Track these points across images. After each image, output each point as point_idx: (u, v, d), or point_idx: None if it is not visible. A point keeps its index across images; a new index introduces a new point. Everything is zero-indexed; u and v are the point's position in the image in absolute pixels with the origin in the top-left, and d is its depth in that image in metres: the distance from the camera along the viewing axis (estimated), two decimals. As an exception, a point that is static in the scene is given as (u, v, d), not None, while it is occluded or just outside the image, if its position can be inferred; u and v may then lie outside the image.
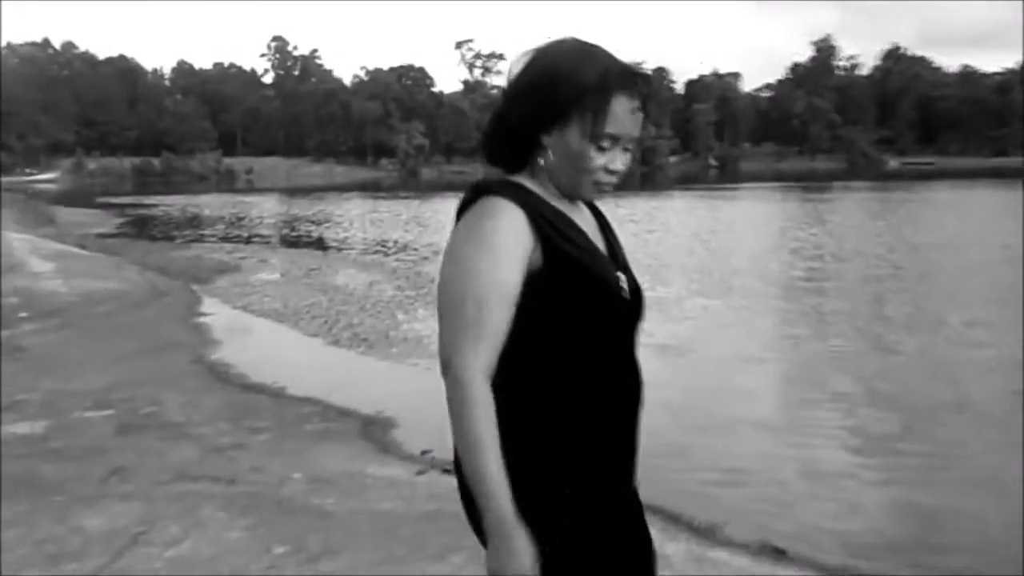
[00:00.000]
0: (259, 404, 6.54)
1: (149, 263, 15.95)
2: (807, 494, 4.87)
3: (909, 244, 17.39)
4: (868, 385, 7.20)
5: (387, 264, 16.02)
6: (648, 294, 1.54)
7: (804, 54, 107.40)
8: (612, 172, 1.47)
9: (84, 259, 16.28)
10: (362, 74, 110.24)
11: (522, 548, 1.29)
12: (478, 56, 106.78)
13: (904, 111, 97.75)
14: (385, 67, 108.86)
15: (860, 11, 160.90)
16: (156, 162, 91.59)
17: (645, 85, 1.46)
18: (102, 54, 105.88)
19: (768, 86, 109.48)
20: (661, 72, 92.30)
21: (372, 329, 9.64)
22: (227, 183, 77.28)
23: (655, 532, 1.52)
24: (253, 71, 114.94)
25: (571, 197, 1.50)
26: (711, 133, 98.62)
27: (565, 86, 1.41)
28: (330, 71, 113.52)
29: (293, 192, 54.11)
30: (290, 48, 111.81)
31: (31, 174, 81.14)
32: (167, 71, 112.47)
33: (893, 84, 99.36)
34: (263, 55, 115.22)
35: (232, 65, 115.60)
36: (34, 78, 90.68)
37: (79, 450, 5.16)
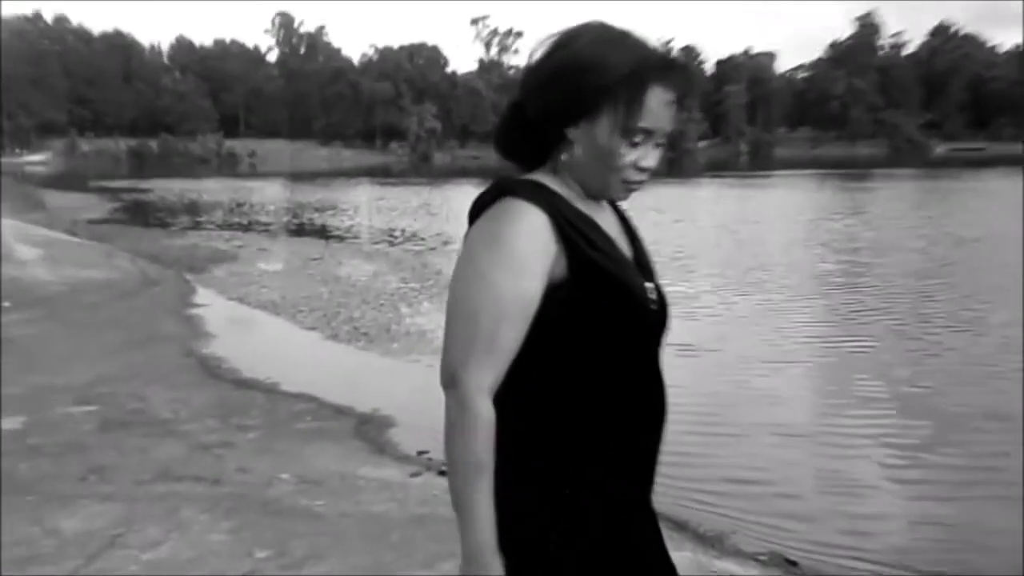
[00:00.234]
0: (250, 400, 6.61)
1: (142, 251, 16.12)
2: (823, 504, 4.86)
3: (954, 237, 17.21)
4: (899, 390, 7.15)
5: (392, 254, 16.10)
6: (667, 289, 1.53)
7: (844, 31, 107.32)
8: (643, 170, 1.44)
9: (73, 246, 16.47)
10: (371, 52, 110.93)
11: None
12: (495, 33, 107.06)
13: (953, 93, 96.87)
14: (396, 45, 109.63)
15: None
16: (153, 144, 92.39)
17: (683, 76, 1.44)
18: (96, 29, 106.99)
19: (805, 66, 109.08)
20: (690, 51, 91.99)
21: (373, 323, 9.70)
22: (228, 167, 77.90)
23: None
24: (256, 48, 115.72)
25: (596, 197, 1.48)
26: (743, 117, 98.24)
27: (596, 75, 1.38)
28: (338, 49, 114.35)
29: (297, 177, 54.43)
30: (296, 24, 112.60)
31: (20, 155, 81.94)
32: (165, 47, 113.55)
33: (941, 64, 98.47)
34: (267, 31, 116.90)
35: (234, 42, 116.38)
36: (24, 54, 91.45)
37: (58, 447, 5.24)
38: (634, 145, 1.41)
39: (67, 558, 3.58)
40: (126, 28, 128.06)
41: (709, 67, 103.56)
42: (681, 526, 4.19)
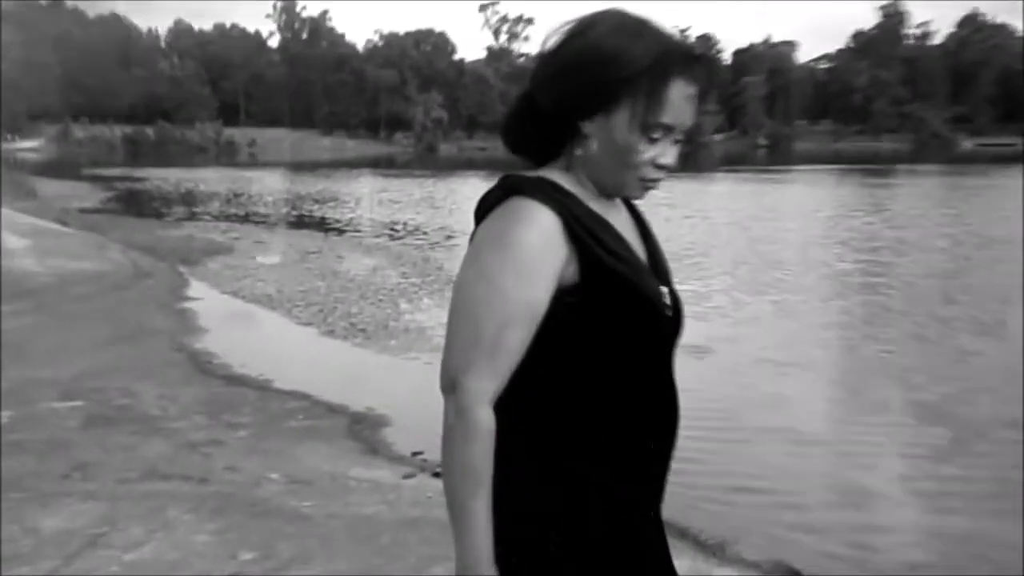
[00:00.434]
0: (241, 397, 6.65)
1: (134, 242, 16.18)
2: (830, 513, 4.86)
3: (979, 236, 17.16)
4: (916, 395, 7.14)
5: (393, 248, 16.15)
6: (677, 287, 1.52)
7: (868, 20, 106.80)
8: (661, 167, 1.43)
9: (63, 236, 16.55)
10: (376, 39, 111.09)
11: None
12: (504, 20, 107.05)
13: (982, 86, 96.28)
14: (402, 31, 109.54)
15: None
16: (150, 131, 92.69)
17: (707, 69, 1.42)
18: (92, 12, 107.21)
19: (827, 57, 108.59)
20: (707, 40, 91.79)
21: (371, 319, 9.73)
22: (227, 156, 78.12)
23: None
24: (257, 33, 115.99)
25: (611, 195, 1.47)
26: (761, 109, 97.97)
27: (615, 66, 1.35)
28: (342, 35, 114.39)
29: (299, 167, 54.57)
30: (298, 9, 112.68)
31: (12, 141, 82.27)
32: (163, 32, 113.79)
33: (970, 55, 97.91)
34: (268, 16, 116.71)
35: (234, 27, 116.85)
36: (17, 37, 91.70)
37: (41, 444, 5.27)
38: (653, 141, 1.40)
39: (45, 558, 3.60)
40: (123, 11, 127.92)
41: (727, 57, 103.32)
42: (683, 533, 4.19)
